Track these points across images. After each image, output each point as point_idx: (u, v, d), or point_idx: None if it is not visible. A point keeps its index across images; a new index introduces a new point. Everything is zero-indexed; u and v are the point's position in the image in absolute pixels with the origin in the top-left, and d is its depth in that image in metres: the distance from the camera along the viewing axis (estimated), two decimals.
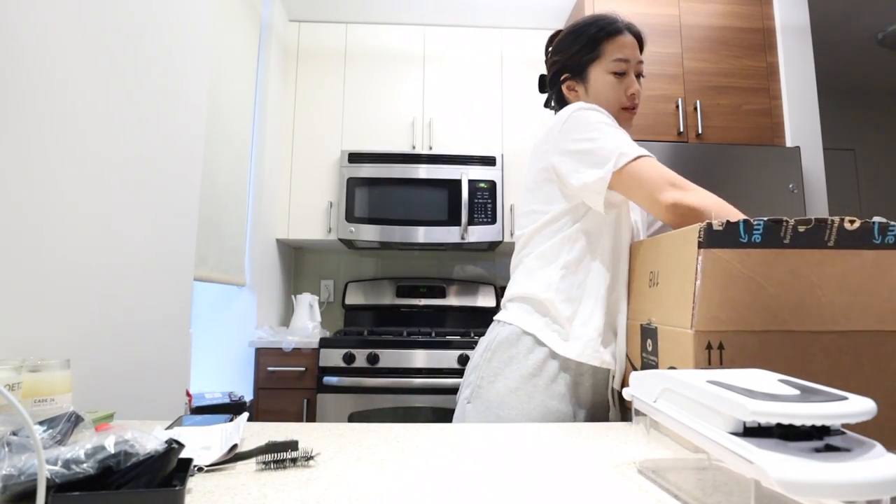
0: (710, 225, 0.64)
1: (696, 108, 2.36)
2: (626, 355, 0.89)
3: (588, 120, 0.94)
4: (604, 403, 0.93)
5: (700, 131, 2.34)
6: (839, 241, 0.65)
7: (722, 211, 0.80)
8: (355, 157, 2.60)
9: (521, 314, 0.96)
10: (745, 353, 0.63)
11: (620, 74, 1.02)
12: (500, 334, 0.96)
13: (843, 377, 0.63)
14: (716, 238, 0.64)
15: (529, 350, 0.92)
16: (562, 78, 1.08)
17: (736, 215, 0.80)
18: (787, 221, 0.64)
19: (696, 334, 0.63)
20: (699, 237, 0.65)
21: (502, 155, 2.68)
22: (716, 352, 0.63)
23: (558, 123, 0.97)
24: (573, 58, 1.06)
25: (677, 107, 2.36)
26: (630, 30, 1.04)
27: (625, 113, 1.04)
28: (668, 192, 0.83)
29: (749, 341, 0.63)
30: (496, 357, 0.94)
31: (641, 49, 1.06)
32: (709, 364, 0.63)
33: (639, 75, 1.05)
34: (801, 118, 2.39)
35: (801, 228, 0.65)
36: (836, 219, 0.65)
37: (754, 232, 0.64)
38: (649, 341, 0.78)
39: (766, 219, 0.64)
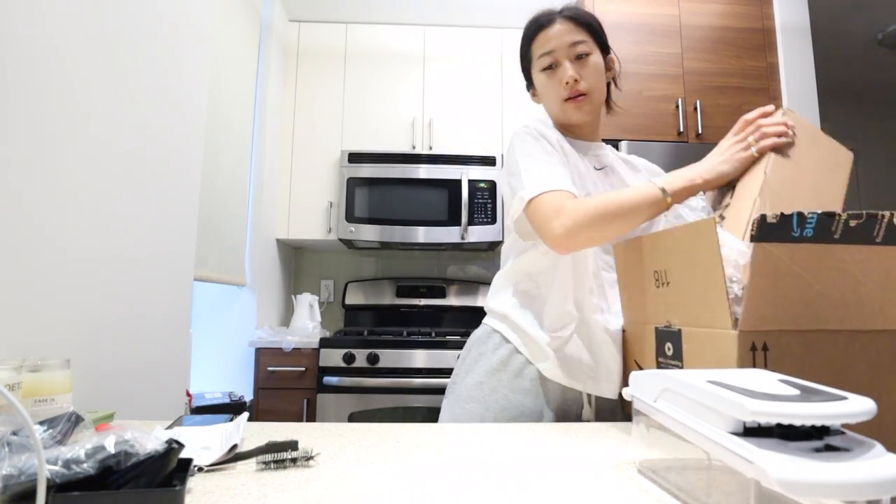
0: (763, 217, 0.61)
1: (696, 108, 2.36)
2: (635, 361, 0.87)
3: (514, 148, 0.95)
4: (577, 401, 0.92)
5: (700, 131, 2.34)
6: (887, 238, 0.63)
7: (611, 206, 0.82)
8: (355, 157, 2.60)
9: (492, 317, 1.00)
10: (790, 355, 0.61)
11: (549, 68, 0.97)
12: (475, 333, 1.01)
13: (882, 377, 0.62)
14: (768, 231, 0.61)
15: (497, 346, 0.95)
16: (526, 87, 1.09)
17: (619, 200, 0.83)
18: (839, 215, 0.62)
19: (741, 335, 0.60)
20: (751, 230, 0.61)
21: (502, 155, 2.68)
22: (760, 353, 0.60)
23: None
24: (522, 69, 1.07)
25: (677, 107, 2.36)
26: (561, 14, 0.97)
27: (568, 105, 0.96)
28: (553, 223, 0.81)
29: (793, 342, 0.61)
30: (469, 354, 0.98)
31: (587, 28, 0.98)
32: (754, 367, 0.60)
33: (580, 56, 0.96)
34: None
35: (853, 223, 0.62)
36: (887, 213, 0.63)
37: (807, 226, 0.61)
38: (669, 345, 0.74)
39: (819, 212, 0.62)
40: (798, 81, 2.42)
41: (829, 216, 0.62)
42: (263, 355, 2.24)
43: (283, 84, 2.70)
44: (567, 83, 0.94)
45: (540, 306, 0.93)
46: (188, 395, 1.48)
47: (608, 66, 1.02)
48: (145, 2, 1.07)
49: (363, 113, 2.71)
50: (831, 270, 0.62)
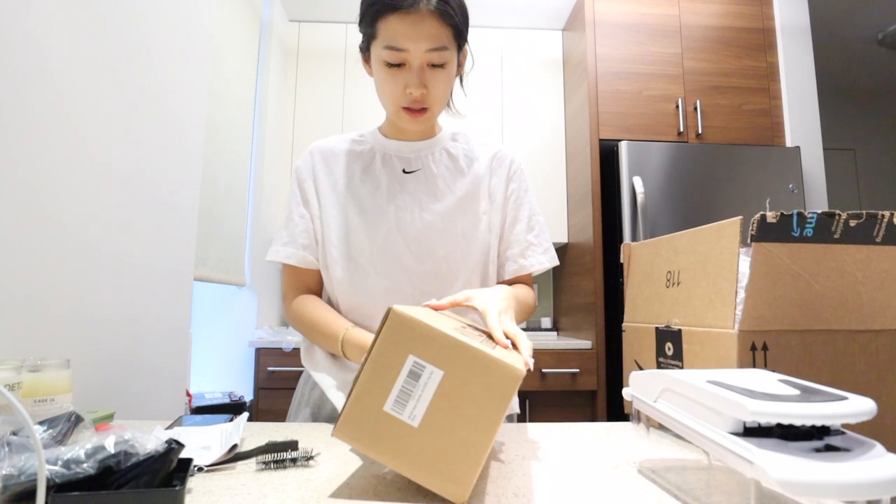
0: (763, 217, 0.61)
1: (696, 108, 2.36)
2: (635, 361, 0.87)
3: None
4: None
5: (700, 131, 2.34)
6: (886, 238, 0.63)
7: (305, 325, 0.88)
8: None
9: None
10: (789, 354, 0.61)
11: (395, 66, 0.80)
12: None
13: (882, 377, 0.62)
14: (768, 231, 0.61)
15: None
16: (359, 46, 0.87)
17: (312, 324, 0.87)
18: (839, 215, 0.62)
19: (741, 334, 0.60)
20: (751, 230, 0.61)
21: None
22: (760, 353, 0.60)
23: None
24: (360, 25, 0.84)
25: (677, 107, 2.36)
26: (429, 2, 0.77)
27: (404, 114, 0.84)
28: (284, 303, 0.93)
29: (793, 341, 0.61)
30: None
31: (452, 28, 0.80)
32: (753, 367, 0.60)
33: (434, 65, 0.80)
34: (801, 118, 2.39)
35: (853, 223, 0.62)
36: (887, 213, 0.63)
37: (807, 225, 0.61)
38: (669, 345, 0.74)
39: (819, 212, 0.62)
40: (798, 81, 2.42)
41: (829, 216, 0.62)
42: (263, 355, 2.24)
43: (283, 84, 2.70)
44: (411, 93, 0.81)
45: None
46: (188, 395, 1.48)
47: (459, 63, 0.89)
48: (145, 2, 1.07)
49: (363, 113, 2.71)
50: (831, 270, 0.62)
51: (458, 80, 0.93)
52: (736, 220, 0.63)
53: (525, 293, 0.91)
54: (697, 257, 0.71)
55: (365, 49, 0.85)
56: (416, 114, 0.84)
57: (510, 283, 0.94)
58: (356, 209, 0.88)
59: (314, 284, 0.92)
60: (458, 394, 0.47)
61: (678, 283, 0.74)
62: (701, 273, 0.69)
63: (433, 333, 0.49)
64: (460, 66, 0.90)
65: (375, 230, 0.87)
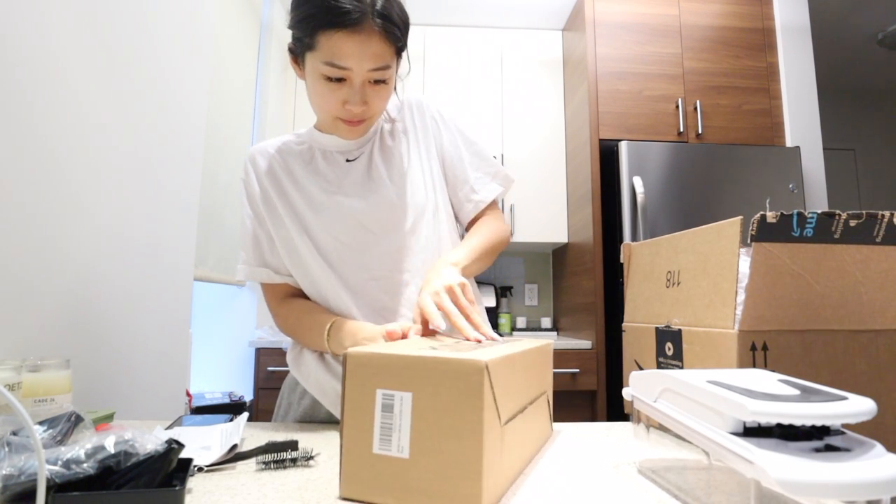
0: (763, 217, 0.61)
1: (696, 108, 2.36)
2: (635, 361, 0.87)
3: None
4: None
5: (700, 131, 2.34)
6: (886, 238, 0.63)
7: (294, 333, 0.90)
8: None
9: None
10: (789, 355, 0.61)
11: (335, 80, 0.77)
12: None
13: (882, 377, 0.62)
14: (768, 231, 0.61)
15: None
16: (289, 46, 0.84)
17: (299, 332, 0.89)
18: (839, 215, 0.62)
19: (741, 334, 0.60)
20: (751, 230, 0.61)
21: (502, 154, 2.68)
22: (760, 353, 0.60)
23: None
24: (294, 29, 0.79)
25: (677, 107, 2.36)
26: (373, 19, 0.73)
27: (342, 124, 0.83)
28: (273, 318, 0.94)
29: (793, 341, 0.61)
30: None
31: (395, 44, 0.77)
32: (753, 367, 0.60)
33: (381, 81, 0.79)
34: (801, 118, 2.39)
35: (853, 223, 0.62)
36: (887, 213, 0.63)
37: (807, 225, 0.61)
38: (669, 345, 0.74)
39: (819, 212, 0.62)
40: (798, 81, 2.42)
41: (829, 216, 0.62)
42: (263, 355, 2.24)
43: (283, 84, 2.69)
44: (349, 109, 0.79)
45: None
46: (188, 395, 1.48)
47: (396, 69, 0.85)
48: (145, 2, 1.07)
49: None
50: (831, 270, 0.62)
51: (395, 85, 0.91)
52: (736, 221, 0.63)
53: (487, 229, 0.91)
54: (697, 257, 0.71)
55: (298, 53, 0.81)
56: (354, 124, 0.83)
57: (473, 222, 0.95)
58: (308, 207, 0.87)
59: (292, 289, 0.92)
60: (433, 409, 0.46)
61: (678, 284, 0.74)
62: (701, 273, 0.69)
63: (389, 360, 0.48)
64: (397, 72, 0.86)
65: (333, 223, 0.87)
